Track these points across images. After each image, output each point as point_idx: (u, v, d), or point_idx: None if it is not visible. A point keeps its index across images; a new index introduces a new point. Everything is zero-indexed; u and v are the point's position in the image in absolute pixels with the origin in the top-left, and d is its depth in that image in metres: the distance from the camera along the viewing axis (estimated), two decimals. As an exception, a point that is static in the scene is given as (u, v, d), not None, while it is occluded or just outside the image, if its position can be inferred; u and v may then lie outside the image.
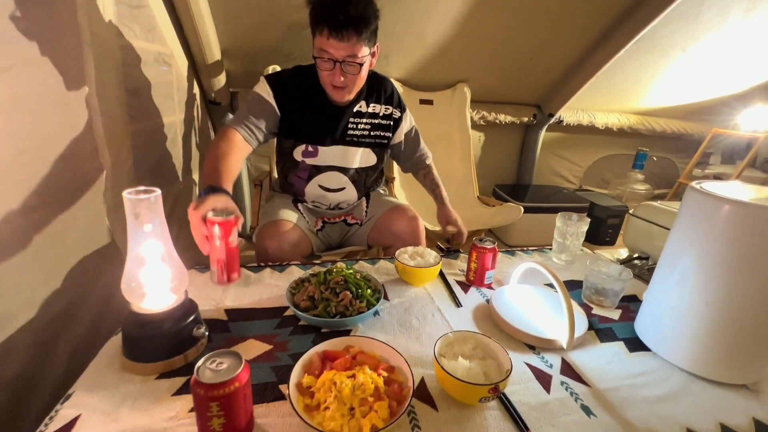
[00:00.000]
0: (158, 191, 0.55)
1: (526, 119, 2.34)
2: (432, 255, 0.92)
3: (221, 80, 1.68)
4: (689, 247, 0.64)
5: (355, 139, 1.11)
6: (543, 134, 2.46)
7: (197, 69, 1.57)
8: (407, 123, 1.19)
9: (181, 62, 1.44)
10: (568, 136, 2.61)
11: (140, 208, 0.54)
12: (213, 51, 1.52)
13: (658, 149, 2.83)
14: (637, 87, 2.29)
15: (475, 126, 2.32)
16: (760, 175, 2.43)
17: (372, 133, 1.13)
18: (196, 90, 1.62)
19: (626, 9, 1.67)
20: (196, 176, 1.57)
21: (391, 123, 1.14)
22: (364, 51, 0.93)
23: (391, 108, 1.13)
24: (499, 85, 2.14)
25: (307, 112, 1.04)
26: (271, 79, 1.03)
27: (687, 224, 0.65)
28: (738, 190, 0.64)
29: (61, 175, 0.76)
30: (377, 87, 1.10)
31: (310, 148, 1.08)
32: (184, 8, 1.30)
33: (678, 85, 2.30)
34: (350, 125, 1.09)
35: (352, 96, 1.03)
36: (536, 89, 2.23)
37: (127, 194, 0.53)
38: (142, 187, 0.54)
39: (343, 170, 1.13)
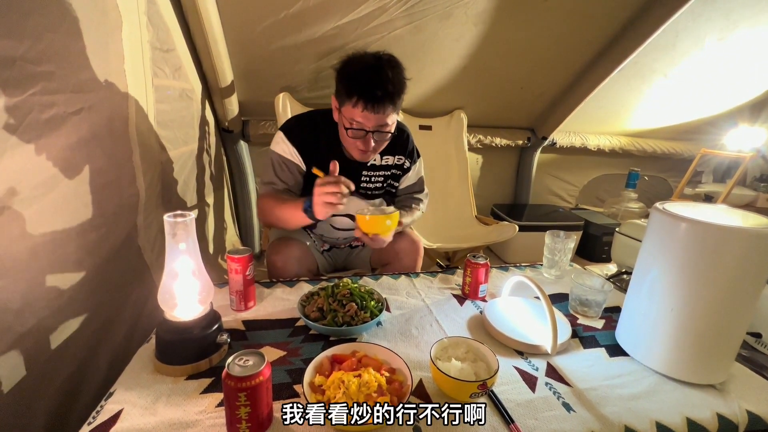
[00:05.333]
0: (192, 215, 0.65)
1: (520, 142, 2.46)
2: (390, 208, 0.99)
3: (234, 110, 1.82)
4: (656, 260, 0.72)
5: (369, 192, 1.15)
6: (538, 156, 2.57)
7: (213, 100, 1.71)
8: (414, 174, 1.21)
9: (200, 95, 1.57)
10: (562, 157, 2.72)
11: (177, 229, 0.64)
12: (226, 74, 1.60)
13: (651, 169, 2.93)
14: (624, 110, 2.41)
15: (473, 149, 2.44)
16: (750, 194, 2.51)
17: (384, 184, 1.17)
18: (212, 120, 1.75)
19: (607, 42, 1.81)
20: (210, 199, 1.67)
21: (400, 173, 1.19)
22: (394, 117, 0.97)
23: (403, 158, 1.16)
24: (493, 111, 2.27)
25: (323, 165, 1.02)
26: (291, 135, 1.04)
27: (653, 240, 0.74)
28: (709, 212, 0.72)
29: (107, 201, 0.87)
30: (393, 138, 1.06)
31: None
32: (199, 33, 1.38)
33: (664, 108, 2.43)
34: (364, 179, 1.12)
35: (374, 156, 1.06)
36: (529, 114, 2.36)
37: (167, 217, 0.63)
38: (179, 211, 0.64)
39: (353, 217, 1.14)
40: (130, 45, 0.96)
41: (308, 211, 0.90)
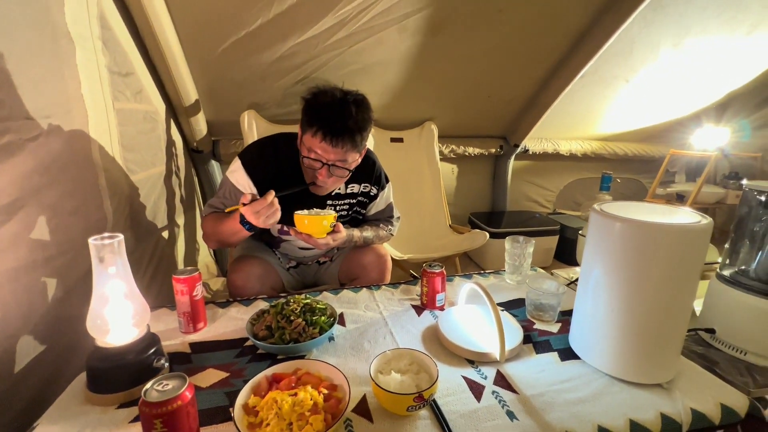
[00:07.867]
0: (121, 236, 0.64)
1: (493, 150, 2.49)
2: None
3: (202, 130, 1.81)
4: (596, 261, 0.72)
5: None
6: (512, 163, 2.61)
7: (179, 121, 1.71)
8: (382, 201, 1.20)
9: (166, 117, 1.57)
10: (537, 164, 2.75)
11: (105, 253, 0.62)
12: (189, 94, 1.59)
13: (624, 171, 2.98)
14: (592, 115, 2.47)
15: (447, 159, 2.46)
16: (720, 191, 2.55)
17: (350, 212, 1.16)
18: (181, 141, 1.75)
19: (566, 50, 1.86)
20: (180, 220, 1.65)
21: (367, 200, 1.17)
22: (354, 156, 0.97)
23: (369, 186, 1.14)
24: (463, 121, 2.31)
25: (284, 196, 0.98)
26: (249, 166, 1.01)
27: (593, 240, 0.74)
28: (645, 211, 0.71)
29: (74, 226, 0.86)
30: (358, 165, 1.05)
31: (285, 228, 1.08)
32: (158, 55, 1.37)
33: (630, 112, 2.49)
34: (328, 208, 1.11)
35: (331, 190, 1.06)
36: (499, 122, 2.40)
37: (92, 240, 0.61)
38: (106, 234, 0.63)
39: None
40: (85, 70, 0.97)
41: (245, 222, 0.91)
